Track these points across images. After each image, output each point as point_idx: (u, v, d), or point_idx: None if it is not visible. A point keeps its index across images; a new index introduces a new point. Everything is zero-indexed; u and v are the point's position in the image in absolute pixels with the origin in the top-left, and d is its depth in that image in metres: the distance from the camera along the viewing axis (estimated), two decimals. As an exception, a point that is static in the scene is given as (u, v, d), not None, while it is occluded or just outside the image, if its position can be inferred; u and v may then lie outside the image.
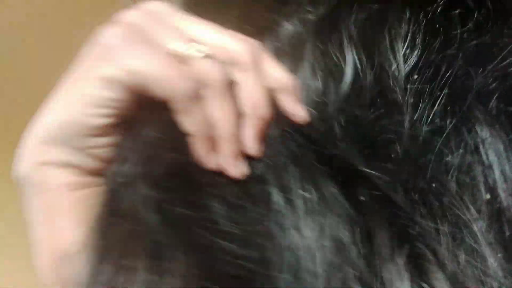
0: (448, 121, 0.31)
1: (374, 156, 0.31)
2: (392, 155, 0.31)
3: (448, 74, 0.32)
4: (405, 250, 0.29)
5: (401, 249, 0.29)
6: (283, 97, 0.34)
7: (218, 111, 0.34)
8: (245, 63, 0.34)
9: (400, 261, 0.29)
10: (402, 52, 0.33)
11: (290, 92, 0.34)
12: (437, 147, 0.31)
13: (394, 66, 0.33)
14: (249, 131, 0.33)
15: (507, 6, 0.33)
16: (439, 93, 0.32)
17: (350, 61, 0.33)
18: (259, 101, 0.34)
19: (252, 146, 0.33)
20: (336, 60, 0.33)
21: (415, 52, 0.33)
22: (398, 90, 0.32)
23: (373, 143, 0.32)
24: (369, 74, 0.33)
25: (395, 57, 0.33)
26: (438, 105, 0.32)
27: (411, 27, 0.33)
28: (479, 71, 0.32)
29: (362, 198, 0.30)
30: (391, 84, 0.32)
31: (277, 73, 0.35)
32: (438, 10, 0.34)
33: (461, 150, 0.31)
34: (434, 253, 0.29)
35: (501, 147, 0.30)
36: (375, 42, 0.33)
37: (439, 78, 0.32)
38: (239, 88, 0.34)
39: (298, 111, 0.34)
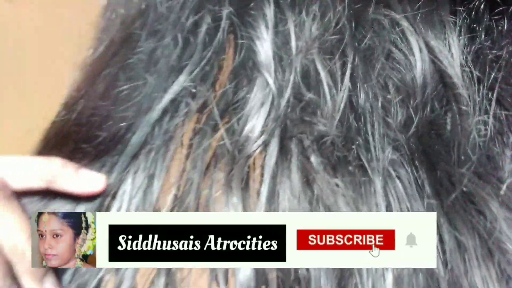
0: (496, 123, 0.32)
1: (447, 151, 0.31)
2: (461, 151, 0.31)
3: (492, 77, 0.32)
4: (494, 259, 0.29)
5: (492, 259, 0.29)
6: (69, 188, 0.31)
7: None
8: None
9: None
10: (457, 44, 0.33)
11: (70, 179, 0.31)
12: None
13: (450, 57, 0.33)
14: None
15: None
16: (486, 95, 0.32)
17: (416, 50, 0.32)
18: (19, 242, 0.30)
19: None
20: (405, 50, 0.33)
21: (465, 46, 0.33)
22: (457, 80, 0.32)
23: (441, 136, 0.32)
24: (430, 64, 0.32)
25: (450, 49, 0.33)
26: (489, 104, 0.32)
27: (460, 21, 0.33)
28: None
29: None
30: (450, 74, 0.32)
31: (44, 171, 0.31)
32: (481, 7, 0.33)
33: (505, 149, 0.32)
34: None
35: None
36: (432, 33, 0.33)
37: (485, 78, 0.33)
38: None
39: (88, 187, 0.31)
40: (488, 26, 0.33)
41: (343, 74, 0.31)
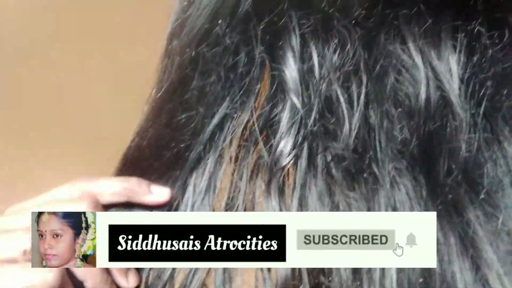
0: (482, 135, 0.36)
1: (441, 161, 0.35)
2: (454, 166, 0.35)
3: (481, 93, 0.36)
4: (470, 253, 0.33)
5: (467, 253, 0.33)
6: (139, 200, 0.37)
7: None
8: None
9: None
10: (456, 65, 0.36)
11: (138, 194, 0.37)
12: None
13: (449, 76, 0.36)
14: None
15: None
16: (476, 110, 0.36)
17: (422, 72, 0.36)
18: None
19: None
20: (410, 67, 0.36)
21: (462, 67, 0.36)
22: (453, 98, 0.35)
23: (440, 145, 0.35)
24: (432, 83, 0.35)
25: (450, 69, 0.36)
26: (477, 117, 0.36)
27: (459, 43, 0.36)
28: (505, 94, 0.36)
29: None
30: (448, 91, 0.35)
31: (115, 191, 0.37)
32: (475, 30, 0.37)
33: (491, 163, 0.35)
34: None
35: None
36: (435, 54, 0.36)
37: (475, 94, 0.36)
38: None
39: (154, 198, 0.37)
40: (484, 46, 0.37)
41: (358, 97, 0.36)
